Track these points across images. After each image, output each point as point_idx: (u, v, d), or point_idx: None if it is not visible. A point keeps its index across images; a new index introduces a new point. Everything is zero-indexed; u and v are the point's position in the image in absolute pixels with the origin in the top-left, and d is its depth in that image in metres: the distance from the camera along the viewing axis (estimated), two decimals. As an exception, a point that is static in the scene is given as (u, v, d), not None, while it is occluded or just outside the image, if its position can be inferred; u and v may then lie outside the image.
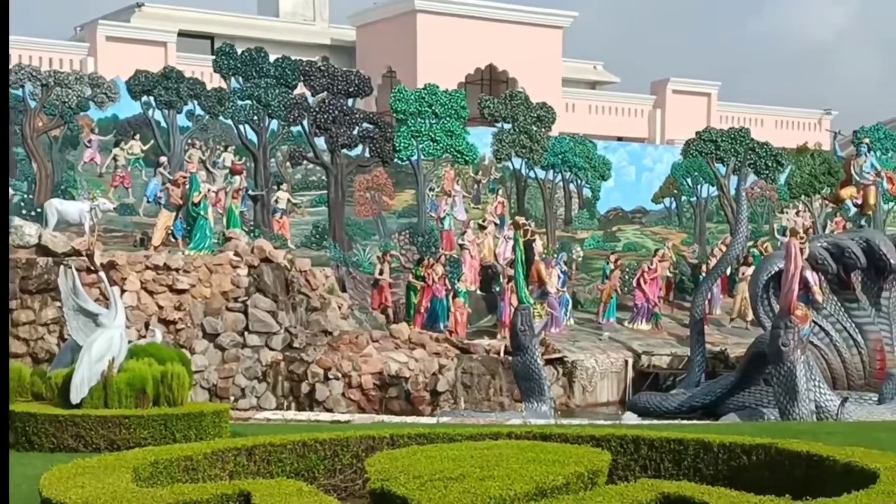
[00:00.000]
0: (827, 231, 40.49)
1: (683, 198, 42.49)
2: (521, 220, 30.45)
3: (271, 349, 27.04)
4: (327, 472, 11.47)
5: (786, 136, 60.02)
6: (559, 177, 41.13)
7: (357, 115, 36.42)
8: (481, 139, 39.13)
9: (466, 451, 10.33)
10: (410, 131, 37.10)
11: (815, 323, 27.52)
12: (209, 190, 30.13)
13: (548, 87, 53.06)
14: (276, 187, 35.93)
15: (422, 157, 37.40)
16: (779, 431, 15.98)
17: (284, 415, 23.60)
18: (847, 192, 31.01)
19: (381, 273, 33.73)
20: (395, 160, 37.25)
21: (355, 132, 36.19)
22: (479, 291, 35.96)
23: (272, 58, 35.65)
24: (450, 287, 33.19)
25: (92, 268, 23.35)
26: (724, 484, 10.04)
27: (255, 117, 35.17)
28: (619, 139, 53.91)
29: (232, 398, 25.78)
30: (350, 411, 25.88)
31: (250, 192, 34.15)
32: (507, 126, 39.45)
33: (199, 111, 35.51)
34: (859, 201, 31.00)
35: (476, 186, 40.37)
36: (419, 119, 37.24)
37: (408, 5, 53.74)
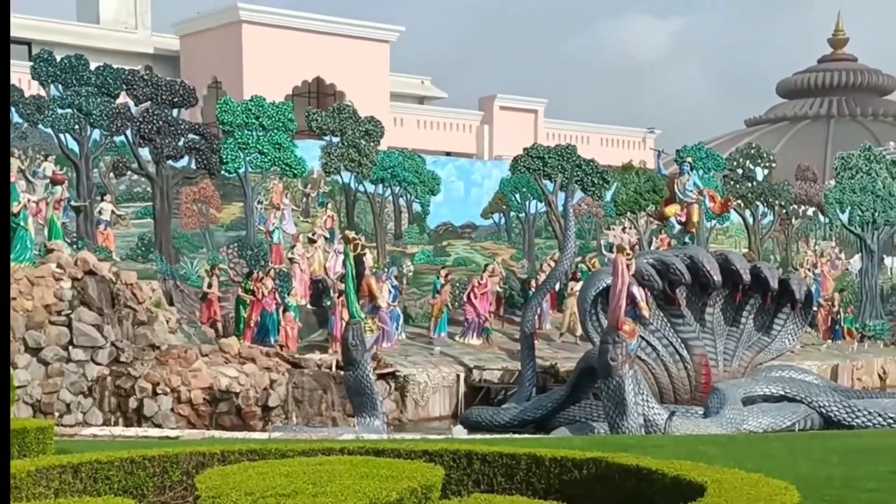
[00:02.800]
0: (652, 248, 41.22)
1: (512, 213, 42.72)
2: (351, 234, 30.07)
3: (97, 363, 26.21)
4: (156, 490, 11.12)
5: (611, 153, 61.13)
6: (389, 191, 40.96)
7: (182, 126, 35.63)
8: (310, 152, 38.68)
9: (299, 466, 10.14)
10: (237, 143, 36.46)
11: (643, 338, 27.89)
12: (29, 200, 29.16)
13: (376, 100, 52.99)
14: (99, 198, 34.90)
15: (249, 169, 36.79)
16: (608, 445, 16.07)
17: (112, 431, 22.98)
18: (671, 210, 31.55)
19: (209, 286, 33.11)
20: (223, 172, 36.55)
21: (181, 143, 35.39)
22: (309, 306, 35.59)
23: (93, 65, 34.62)
24: (280, 301, 32.80)
25: None
26: (557, 498, 10.18)
27: (76, 126, 34.08)
28: (448, 154, 54.10)
29: (56, 414, 24.99)
30: (180, 427, 25.27)
31: (72, 202, 33.13)
32: (336, 139, 39.11)
33: (17, 119, 34.26)
34: (683, 219, 31.59)
35: (305, 200, 39.91)
36: (246, 131, 36.62)
37: (232, 16, 53.05)
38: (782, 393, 28.47)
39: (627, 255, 25.37)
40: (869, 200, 47.95)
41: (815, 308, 39.66)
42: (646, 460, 10.77)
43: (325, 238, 37.73)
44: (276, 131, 36.97)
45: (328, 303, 34.84)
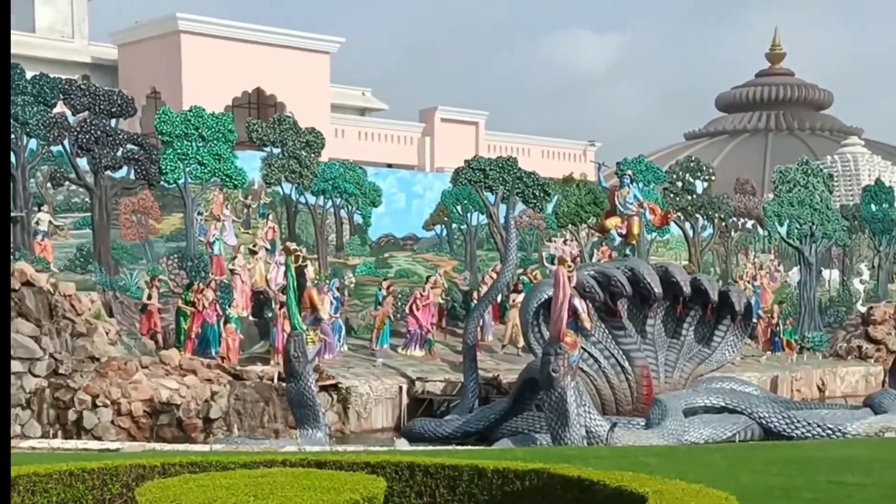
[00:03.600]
0: (593, 260, 41.36)
1: (454, 225, 42.71)
2: (293, 245, 29.91)
3: (35, 375, 25.84)
4: (96, 503, 10.93)
5: (552, 166, 61.44)
6: (330, 203, 40.80)
7: (121, 136, 35.24)
8: (250, 163, 38.44)
9: (240, 479, 10.02)
10: (177, 154, 36.14)
11: (584, 350, 27.92)
12: (-37, 211, 28.70)
13: (316, 112, 52.88)
14: (36, 209, 34.41)
15: (189, 180, 36.46)
16: (551, 456, 16.08)
17: (51, 443, 22.70)
18: (612, 223, 31.60)
19: (149, 298, 32.76)
20: (162, 183, 36.23)
21: (119, 153, 34.98)
22: (251, 317, 35.34)
23: (29, 74, 34.17)
24: (221, 313, 32.52)
25: None
26: (499, 509, 10.00)
27: (12, 136, 33.64)
28: (389, 166, 54.09)
29: (-6, 426, 24.52)
30: (120, 439, 24.96)
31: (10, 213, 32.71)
32: (277, 151, 38.91)
33: (-51, 128, 33.70)
34: (624, 231, 31.65)
35: (246, 211, 39.73)
36: (185, 141, 36.29)
37: (171, 26, 52.69)
38: (723, 404, 28.62)
39: (569, 267, 25.44)
40: (807, 214, 48.39)
41: (754, 320, 39.95)
42: (588, 471, 10.75)
43: (267, 249, 37.52)
44: (216, 142, 36.69)
45: (270, 314, 34.62)
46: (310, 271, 32.43)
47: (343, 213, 41.13)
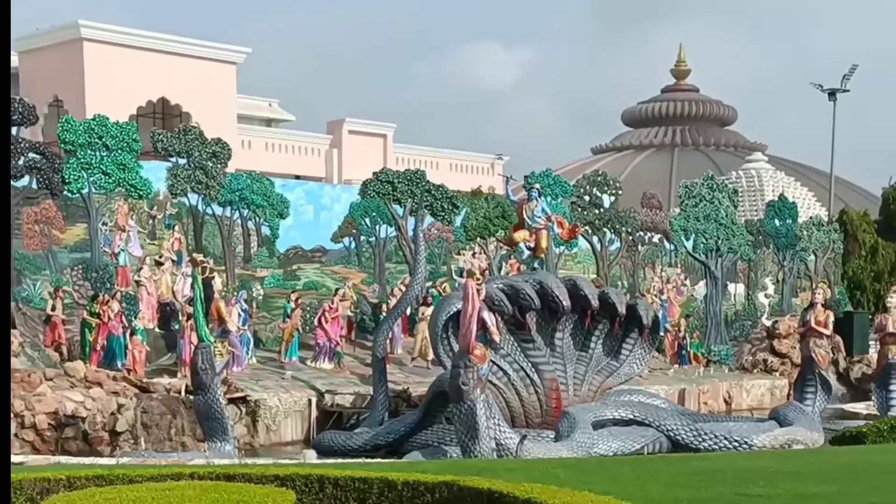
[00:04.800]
0: (502, 273, 41.42)
1: (362, 238, 42.44)
2: (199, 257, 29.58)
3: (-65, 387, 25.21)
4: (0, 518, 10.67)
5: (460, 179, 61.53)
6: (237, 214, 40.32)
7: (22, 145, 34.59)
8: (155, 174, 37.89)
9: (148, 492, 9.91)
10: (80, 163, 35.55)
11: (494, 362, 27.85)
12: None
13: (223, 122, 52.35)
14: (-67, 218, 33.66)
15: (93, 190, 35.89)
16: (461, 469, 16.04)
17: (-48, 457, 22.03)
18: (520, 236, 31.65)
19: (53, 309, 32.26)
20: (65, 192, 35.59)
21: (21, 162, 34.34)
22: (157, 329, 34.93)
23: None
24: (127, 324, 32.17)
25: None
26: (410, 521, 9.99)
27: None
28: (297, 177, 53.71)
29: None
30: (24, 452, 24.36)
31: None
32: (182, 161, 38.43)
33: None
34: (532, 244, 31.70)
35: (152, 222, 39.03)
36: (89, 151, 35.72)
37: (73, 33, 51.85)
38: (631, 417, 28.78)
39: (478, 280, 25.42)
40: (712, 228, 49.02)
41: (661, 333, 40.32)
42: (498, 483, 10.93)
43: (173, 261, 37.07)
44: (120, 151, 36.18)
45: (177, 326, 34.23)
46: (217, 283, 32.05)
47: (250, 224, 40.64)
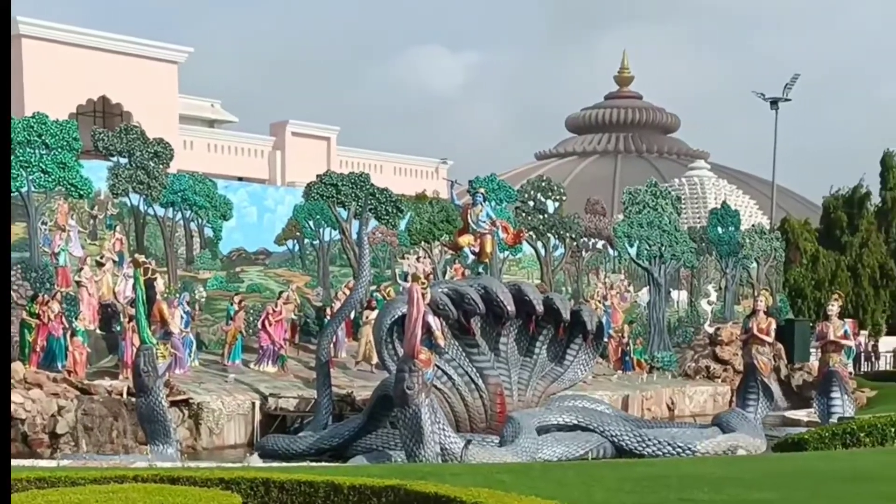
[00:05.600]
0: (447, 277, 41.39)
1: (306, 240, 42.21)
2: (141, 258, 29.28)
3: None
4: (-63, 522, 10.45)
5: (405, 182, 61.46)
6: (179, 215, 39.96)
7: (-40, 142, 34.11)
8: (96, 173, 37.44)
9: (90, 494, 9.81)
10: (19, 161, 35.02)
11: (439, 367, 27.79)
12: None
13: (164, 122, 51.97)
14: None
15: (32, 188, 35.37)
16: (406, 473, 16.00)
17: None
18: (465, 240, 31.60)
19: (-10, 309, 31.74)
20: (4, 191, 35.10)
21: (-43, 160, 33.87)
22: (98, 330, 34.57)
23: None
24: (67, 325, 31.79)
25: None
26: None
27: None
28: (240, 179, 53.41)
29: None
30: (-40, 455, 24.03)
31: None
32: (124, 161, 38.03)
33: None
34: (477, 249, 31.65)
35: (92, 222, 38.58)
36: (28, 149, 35.21)
37: (11, 29, 51.26)
38: (576, 422, 28.78)
39: (423, 284, 25.37)
40: (656, 235, 49.27)
41: (605, 339, 40.42)
42: (444, 488, 11.07)
43: (114, 261, 36.67)
44: (60, 150, 35.71)
45: (118, 328, 33.91)
46: (159, 284, 31.76)
47: (193, 225, 40.29)
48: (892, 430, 25.40)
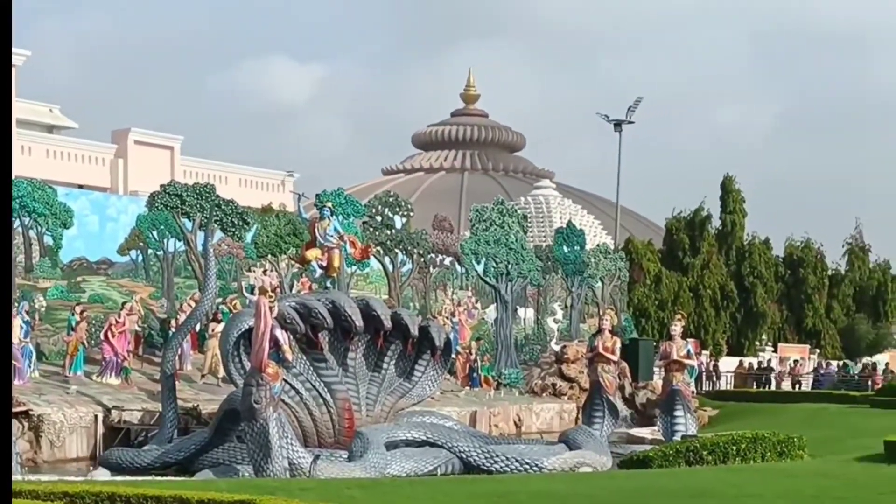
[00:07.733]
0: (294, 291, 40.98)
1: (150, 251, 41.36)
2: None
3: None
4: None
5: (250, 194, 60.88)
6: (17, 222, 38.82)
7: None
8: (-69, 178, 36.20)
9: None
10: None
11: (286, 381, 27.52)
12: None
13: None
14: None
15: None
16: (256, 488, 15.87)
17: None
18: (312, 254, 31.47)
19: None
20: None
21: None
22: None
23: None
24: None
25: None
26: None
27: None
28: (81, 187, 52.21)
29: None
30: None
31: None
32: (-40, 165, 36.83)
33: None
34: (324, 263, 31.57)
35: (-74, 227, 37.37)
36: None
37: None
38: (424, 438, 28.80)
39: (270, 297, 25.17)
40: (503, 252, 49.62)
41: (453, 355, 40.47)
42: (295, 503, 11.22)
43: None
44: None
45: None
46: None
47: (32, 233, 39.14)
48: (734, 448, 25.95)
